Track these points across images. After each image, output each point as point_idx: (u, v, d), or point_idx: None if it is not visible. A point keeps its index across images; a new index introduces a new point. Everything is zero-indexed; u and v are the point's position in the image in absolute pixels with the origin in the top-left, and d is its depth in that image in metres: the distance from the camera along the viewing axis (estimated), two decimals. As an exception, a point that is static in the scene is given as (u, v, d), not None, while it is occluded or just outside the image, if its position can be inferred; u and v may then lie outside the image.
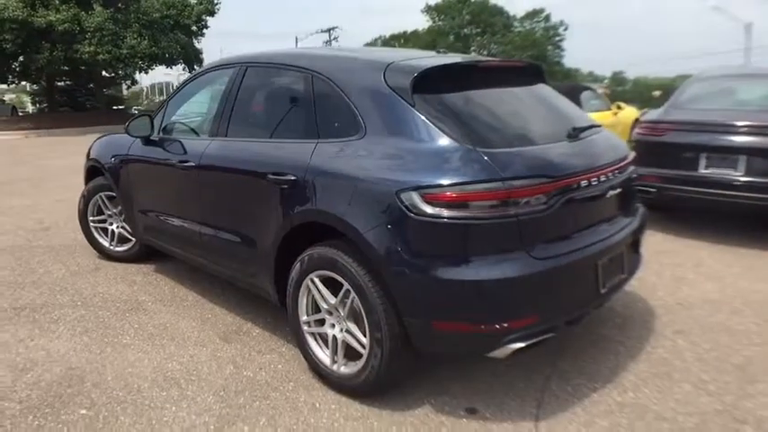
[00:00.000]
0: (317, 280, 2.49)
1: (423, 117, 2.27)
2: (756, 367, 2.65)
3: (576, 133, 2.55)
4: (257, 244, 2.76)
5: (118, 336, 3.12)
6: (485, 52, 42.54)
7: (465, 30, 40.84)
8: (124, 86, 26.00)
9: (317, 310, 2.57)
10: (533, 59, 39.68)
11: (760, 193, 4.05)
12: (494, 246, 2.10)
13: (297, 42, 53.67)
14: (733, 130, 4.20)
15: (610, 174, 2.50)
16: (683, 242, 4.59)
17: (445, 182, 2.08)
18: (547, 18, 41.83)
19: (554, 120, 2.67)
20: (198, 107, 3.75)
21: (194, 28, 19.27)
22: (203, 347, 2.97)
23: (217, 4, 19.36)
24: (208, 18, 19.25)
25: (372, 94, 2.40)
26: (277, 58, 2.98)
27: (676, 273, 3.89)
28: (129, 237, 4.26)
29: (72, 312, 3.43)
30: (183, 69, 21.22)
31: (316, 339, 2.60)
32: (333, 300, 2.45)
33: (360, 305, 2.29)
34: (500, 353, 2.16)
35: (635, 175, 2.80)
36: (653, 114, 4.95)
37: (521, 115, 2.57)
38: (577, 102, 6.95)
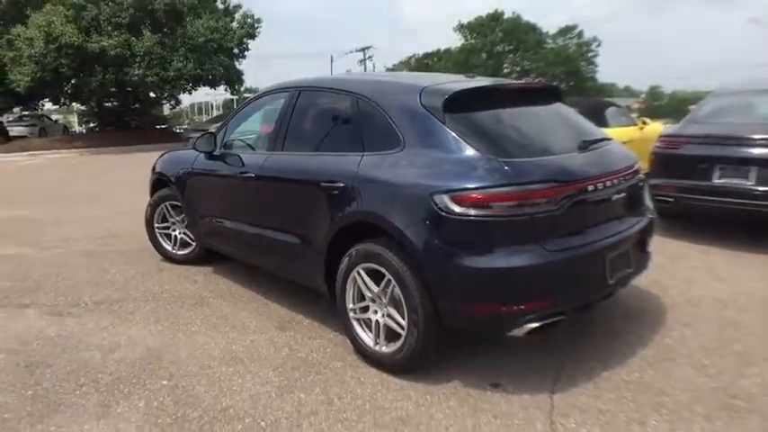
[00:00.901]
0: (362, 272, 2.91)
1: (452, 132, 2.69)
2: (754, 353, 2.93)
3: (585, 145, 2.92)
4: (311, 243, 3.21)
5: (187, 324, 3.60)
6: (518, 69, 42.81)
7: (498, 47, 41.31)
8: (167, 107, 27.40)
9: (362, 298, 2.98)
10: (566, 75, 39.35)
11: (769, 201, 4.31)
12: (512, 239, 2.49)
13: (332, 62, 55.06)
14: (745, 142, 4.47)
15: (615, 180, 2.85)
16: (698, 248, 4.84)
17: (471, 185, 2.49)
18: (580, 34, 42.02)
19: (567, 134, 3.04)
20: (255, 126, 4.25)
21: (236, 51, 20.37)
22: (261, 334, 3.41)
23: (257, 27, 20.47)
24: (249, 41, 20.38)
25: (409, 114, 2.84)
26: (327, 82, 3.48)
27: (689, 275, 4.16)
28: (190, 241, 4.78)
29: (144, 306, 3.94)
30: (225, 90, 22.35)
31: (360, 324, 3.01)
32: (376, 288, 2.86)
33: (399, 292, 2.70)
34: (518, 331, 2.53)
35: (642, 182, 3.14)
36: (672, 129, 5.23)
37: (537, 130, 2.96)
38: (602, 118, 7.22)
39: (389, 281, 2.76)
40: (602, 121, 6.34)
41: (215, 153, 4.08)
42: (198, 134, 13.48)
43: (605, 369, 2.84)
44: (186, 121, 33.98)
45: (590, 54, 41.52)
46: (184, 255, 4.84)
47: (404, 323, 2.73)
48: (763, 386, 2.62)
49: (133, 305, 3.95)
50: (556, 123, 3.10)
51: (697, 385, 2.65)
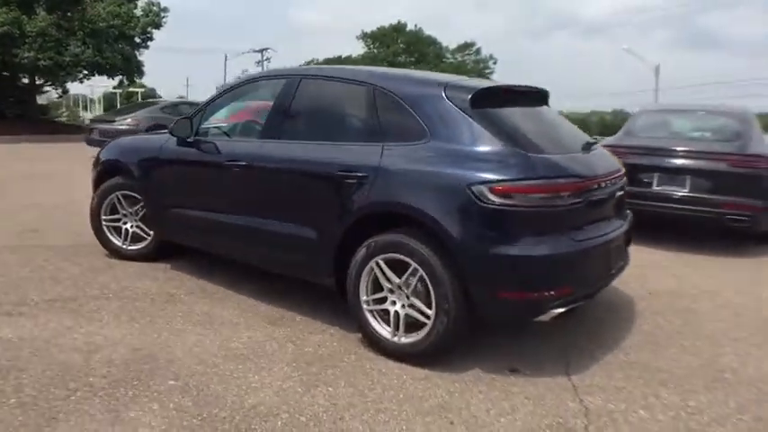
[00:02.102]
0: (381, 262, 2.88)
1: (481, 127, 2.77)
2: (720, 335, 3.34)
3: (587, 146, 3.16)
4: (317, 235, 3.10)
5: (168, 323, 3.30)
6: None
7: (399, 58, 42.44)
8: (46, 96, 24.65)
9: (377, 290, 2.95)
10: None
11: (703, 206, 4.93)
12: (544, 229, 2.63)
13: (226, 60, 53.09)
14: (680, 154, 5.09)
15: (614, 180, 3.12)
16: (642, 249, 5.36)
17: (508, 177, 2.59)
18: (477, 51, 44.54)
19: (568, 135, 3.27)
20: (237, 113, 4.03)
21: (138, 39, 18.83)
22: (255, 331, 3.23)
23: (164, 17, 19.14)
24: (154, 30, 18.94)
25: (435, 107, 2.87)
26: (335, 72, 3.40)
27: (641, 272, 4.58)
28: (144, 235, 4.39)
29: (108, 304, 3.55)
30: (122, 81, 20.57)
31: (374, 316, 2.97)
32: (397, 279, 2.85)
33: (428, 281, 2.72)
34: (546, 317, 2.67)
35: (627, 185, 3.45)
36: (610, 140, 5.77)
37: (547, 129, 3.14)
38: None
39: (415, 270, 2.76)
40: None
41: (190, 140, 3.80)
42: (103, 125, 12.40)
43: (604, 353, 3.07)
44: (66, 113, 30.83)
45: (487, 71, 44.16)
46: (136, 250, 4.43)
47: (430, 312, 2.75)
48: (740, 362, 2.99)
49: (94, 304, 3.54)
50: (556, 124, 3.31)
51: (686, 363, 2.97)
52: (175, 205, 3.94)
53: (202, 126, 3.89)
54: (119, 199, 4.39)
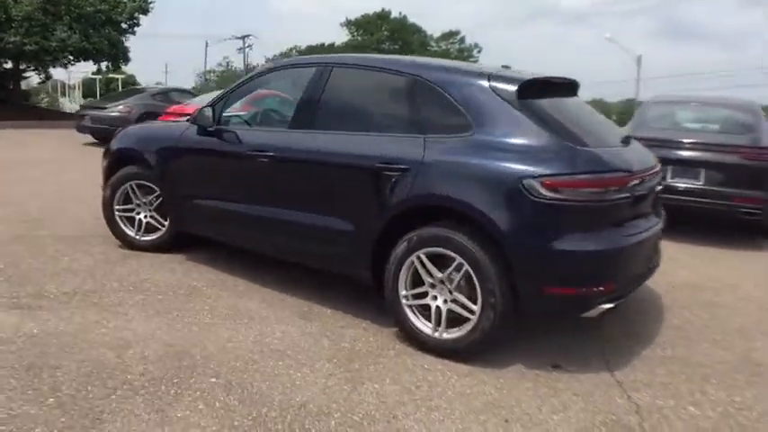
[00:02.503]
0: (423, 257, 2.83)
1: (528, 119, 2.72)
2: (750, 330, 3.38)
3: (626, 140, 3.13)
4: (356, 227, 3.03)
5: (195, 317, 3.21)
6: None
7: (384, 45, 42.06)
8: (27, 82, 23.85)
9: (417, 284, 2.90)
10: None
11: (716, 199, 4.98)
12: (595, 223, 2.60)
13: (207, 47, 52.03)
14: (694, 147, 5.12)
15: (654, 175, 3.10)
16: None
17: (560, 171, 2.55)
18: (462, 39, 44.40)
19: (607, 127, 3.23)
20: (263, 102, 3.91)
21: (125, 25, 18.19)
22: (288, 325, 3.15)
23: (151, 2, 18.52)
24: (141, 16, 18.31)
25: (479, 98, 2.81)
26: (369, 61, 3.30)
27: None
28: (159, 226, 4.26)
29: (129, 297, 3.44)
30: (99, 68, 19.96)
31: (413, 311, 2.92)
32: (439, 274, 2.80)
33: (473, 276, 2.67)
34: (593, 312, 2.65)
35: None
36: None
37: (587, 121, 3.09)
38: None
39: (460, 265, 2.71)
40: None
41: (212, 129, 3.68)
42: (95, 112, 12.10)
43: (641, 348, 3.07)
44: (46, 99, 29.94)
45: (471, 59, 44.05)
46: (150, 241, 4.30)
47: (475, 308, 2.70)
48: (775, 356, 3.03)
49: (115, 296, 3.42)
50: (593, 116, 3.27)
51: (722, 357, 2.99)
52: (197, 196, 3.82)
53: (232, 113, 3.78)
54: (132, 189, 4.24)
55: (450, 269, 2.76)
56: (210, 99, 4.04)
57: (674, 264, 4.70)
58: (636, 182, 2.79)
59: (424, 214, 2.83)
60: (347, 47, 42.92)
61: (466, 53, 44.14)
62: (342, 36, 49.31)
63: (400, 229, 2.90)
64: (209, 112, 3.64)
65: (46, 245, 4.36)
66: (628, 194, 2.69)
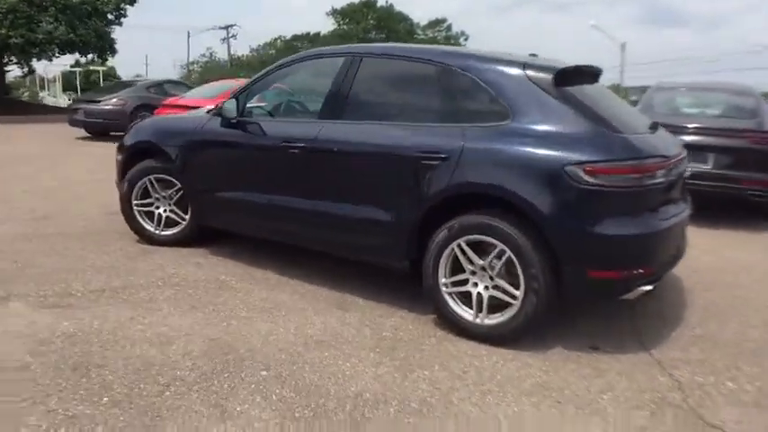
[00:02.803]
0: (464, 244, 2.85)
1: (566, 107, 2.75)
2: (774, 308, 3.48)
3: (654, 127, 3.17)
4: (395, 217, 3.03)
5: (231, 311, 3.19)
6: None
7: (370, 34, 41.77)
8: (18, 73, 23.22)
9: (457, 272, 2.92)
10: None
11: (725, 182, 5.09)
12: (634, 208, 2.65)
13: (189, 37, 51.22)
14: (703, 131, 5.21)
15: (683, 161, 3.15)
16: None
17: (602, 158, 2.58)
18: (449, 27, 44.24)
19: (634, 114, 3.27)
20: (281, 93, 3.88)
21: (111, 16, 17.77)
22: (326, 316, 3.15)
23: (138, -7, 18.14)
24: (127, 7, 17.89)
25: (517, 87, 2.83)
26: (403, 51, 3.29)
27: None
28: (179, 220, 4.22)
29: (160, 292, 3.41)
30: (93, 60, 19.50)
31: (453, 298, 2.95)
32: (480, 261, 2.83)
33: (516, 262, 2.70)
34: (632, 294, 2.71)
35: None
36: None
37: (617, 108, 3.13)
38: None
39: (503, 251, 2.74)
40: None
41: (234, 120, 3.64)
42: (88, 105, 11.87)
43: (672, 328, 3.14)
44: (26, 92, 29.25)
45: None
46: (170, 235, 4.26)
47: (517, 293, 2.74)
48: (803, 333, 3.13)
49: (145, 293, 3.40)
50: (620, 103, 3.31)
51: (754, 336, 3.07)
52: (221, 189, 3.79)
53: (257, 103, 3.76)
54: (151, 183, 4.20)
55: (492, 256, 2.79)
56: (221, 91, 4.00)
57: (690, 248, 4.79)
58: (671, 167, 2.84)
59: (464, 202, 2.85)
60: (333, 36, 42.54)
61: (453, 41, 43.99)
62: (328, 25, 48.96)
63: (439, 218, 2.92)
64: (233, 104, 3.60)
65: (58, 242, 4.30)
66: (662, 180, 2.74)
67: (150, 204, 4.26)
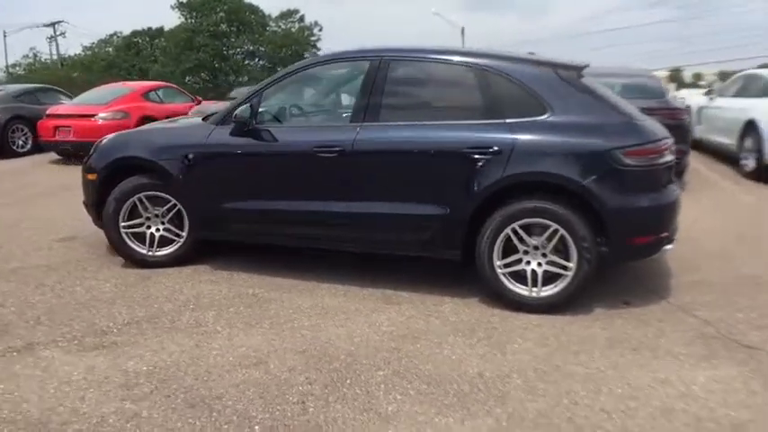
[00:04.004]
0: (518, 228, 3.15)
1: (592, 100, 3.18)
2: (730, 252, 4.30)
3: (645, 113, 3.74)
4: (449, 210, 3.23)
5: (291, 321, 3.14)
6: (243, 51, 42.36)
7: (221, 27, 39.87)
8: None
9: (508, 253, 3.22)
10: (294, 58, 40.65)
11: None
12: (661, 182, 3.16)
13: (5, 37, 44.45)
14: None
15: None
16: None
17: (635, 142, 3.05)
18: (302, 18, 43.78)
19: (628, 102, 3.80)
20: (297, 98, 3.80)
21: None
22: (386, 313, 3.23)
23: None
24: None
25: (552, 84, 3.18)
26: (431, 53, 3.45)
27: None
28: (173, 237, 3.93)
29: (201, 315, 3.21)
30: None
31: (507, 278, 3.24)
32: (534, 241, 3.15)
33: (569, 237, 3.07)
34: (658, 255, 3.24)
35: None
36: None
37: (618, 98, 3.62)
38: None
39: (556, 230, 3.09)
40: None
41: (252, 128, 3.52)
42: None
43: (667, 280, 3.73)
44: None
45: (313, 39, 43.85)
46: (166, 255, 3.95)
47: (570, 265, 3.12)
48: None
49: (186, 317, 3.18)
50: (613, 93, 3.83)
51: (729, 277, 3.74)
52: (238, 199, 3.63)
53: (272, 109, 3.68)
54: (141, 201, 3.85)
55: (546, 235, 3.13)
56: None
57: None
58: (671, 148, 3.41)
59: (513, 190, 3.15)
60: (181, 30, 39.84)
61: (307, 32, 43.78)
62: (173, 19, 45.65)
63: (488, 208, 3.19)
64: (247, 110, 3.47)
65: (36, 277, 3.77)
66: (670, 158, 3.30)
67: (140, 225, 3.91)
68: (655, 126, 3.34)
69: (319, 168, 3.41)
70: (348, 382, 2.52)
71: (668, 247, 3.24)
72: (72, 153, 8.52)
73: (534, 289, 3.20)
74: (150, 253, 3.93)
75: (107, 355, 2.74)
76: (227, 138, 3.58)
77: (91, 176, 3.95)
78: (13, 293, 3.51)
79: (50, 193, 6.91)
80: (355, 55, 3.60)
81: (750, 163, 6.66)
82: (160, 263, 3.94)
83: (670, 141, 3.28)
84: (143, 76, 34.82)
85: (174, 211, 3.88)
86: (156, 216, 3.90)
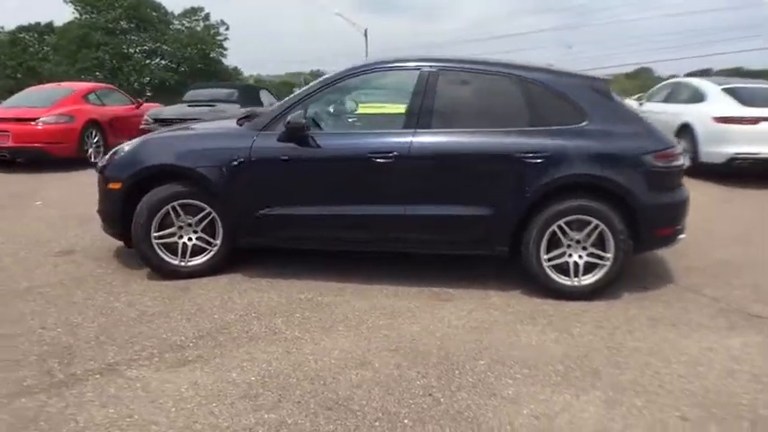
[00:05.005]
0: (563, 224, 3.49)
1: (621, 109, 3.61)
2: (717, 239, 4.96)
3: None
4: (499, 211, 3.49)
5: (361, 323, 3.21)
6: (145, 49, 40.04)
7: (120, 24, 37.31)
8: None
9: (553, 248, 3.55)
10: (199, 58, 38.92)
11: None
12: (678, 182, 3.66)
13: None
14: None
15: None
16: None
17: (662, 147, 3.52)
18: (207, 17, 42.07)
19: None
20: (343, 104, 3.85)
21: None
22: (445, 309, 3.41)
23: None
24: None
25: (587, 96, 3.56)
26: (477, 64, 3.70)
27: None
28: (206, 246, 3.82)
29: (271, 322, 3.20)
30: None
31: (551, 270, 3.57)
32: (577, 235, 3.51)
33: (607, 231, 3.46)
34: (674, 243, 3.73)
35: None
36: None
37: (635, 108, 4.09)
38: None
39: (597, 225, 3.47)
40: None
41: (305, 134, 3.56)
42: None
43: (670, 264, 4.27)
44: None
45: (219, 38, 42.32)
46: (199, 264, 3.83)
47: (608, 255, 3.50)
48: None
49: (258, 326, 3.15)
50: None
51: (724, 258, 4.39)
52: (286, 205, 3.65)
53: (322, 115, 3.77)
54: (175, 210, 3.71)
55: (587, 230, 3.49)
56: (282, 102, 3.83)
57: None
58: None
59: (563, 190, 3.48)
60: (77, 27, 36.70)
61: (213, 31, 42.20)
62: (65, 14, 41.89)
63: (537, 207, 3.50)
64: (301, 117, 3.50)
65: (56, 296, 3.52)
66: (682, 162, 3.79)
67: (172, 235, 3.76)
68: (666, 134, 3.84)
69: (374, 173, 3.53)
70: (457, 372, 2.69)
71: (681, 236, 3.75)
72: (10, 160, 7.72)
73: (576, 279, 3.56)
74: (183, 263, 3.80)
75: (203, 369, 2.68)
76: (275, 143, 3.59)
77: (114, 185, 3.74)
78: (48, 314, 3.25)
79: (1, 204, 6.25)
80: (404, 64, 3.78)
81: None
82: (193, 273, 3.82)
83: (680, 148, 3.80)
84: (32, 75, 31.69)
85: (207, 219, 3.79)
86: (189, 225, 3.78)
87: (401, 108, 3.73)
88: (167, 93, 23.21)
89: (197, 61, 41.12)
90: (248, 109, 5.90)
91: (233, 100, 8.74)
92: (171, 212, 3.71)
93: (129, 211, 3.74)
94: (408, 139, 3.53)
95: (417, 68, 3.66)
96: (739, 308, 3.51)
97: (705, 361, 2.84)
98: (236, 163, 3.61)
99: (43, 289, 3.64)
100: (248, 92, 9.78)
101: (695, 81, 8.48)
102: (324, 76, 3.81)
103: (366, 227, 3.68)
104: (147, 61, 39.81)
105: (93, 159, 8.44)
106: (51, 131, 7.51)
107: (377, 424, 2.27)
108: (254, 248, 3.97)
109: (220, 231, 3.81)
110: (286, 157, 3.59)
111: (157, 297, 3.54)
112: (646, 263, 4.28)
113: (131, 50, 39.45)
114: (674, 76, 18.74)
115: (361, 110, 4.45)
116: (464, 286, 3.76)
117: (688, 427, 2.30)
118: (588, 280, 3.56)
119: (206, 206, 3.74)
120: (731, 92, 7.51)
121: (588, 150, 3.46)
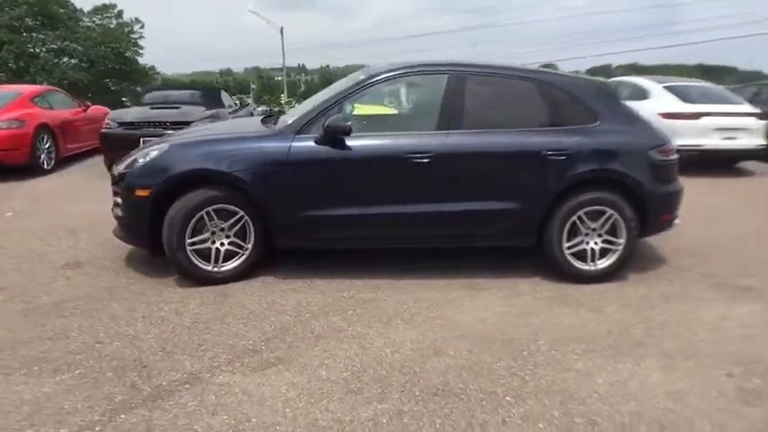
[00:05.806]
0: (582, 214, 3.83)
1: (627, 109, 4.00)
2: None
3: None
4: (527, 205, 3.77)
5: (416, 315, 3.37)
6: (54, 47, 37.19)
7: (25, 21, 34.29)
8: None
9: (569, 237, 3.88)
10: (114, 56, 36.77)
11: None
12: (675, 174, 4.10)
13: None
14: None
15: None
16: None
17: (664, 143, 3.94)
18: (119, 14, 39.58)
19: None
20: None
21: None
22: (481, 298, 3.64)
23: None
24: None
25: (599, 97, 3.93)
26: (503, 69, 4.00)
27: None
28: (237, 250, 3.80)
29: (329, 320, 3.28)
30: None
31: (572, 257, 3.90)
32: (593, 224, 3.86)
33: (620, 220, 3.84)
34: (670, 228, 4.19)
35: None
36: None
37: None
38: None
39: (611, 215, 3.83)
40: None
41: (346, 136, 3.65)
42: None
43: (658, 246, 4.77)
44: None
45: (134, 36, 39.98)
46: (231, 269, 3.80)
47: (621, 240, 3.88)
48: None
49: (319, 325, 3.22)
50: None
51: (707, 240, 4.91)
52: (325, 207, 3.72)
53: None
54: (209, 215, 3.66)
55: (603, 219, 3.85)
56: (313, 105, 3.89)
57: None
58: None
59: (579, 185, 3.82)
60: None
61: (127, 29, 39.84)
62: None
63: (559, 200, 3.81)
64: (340, 120, 3.59)
65: (92, 310, 3.38)
66: (677, 156, 4.24)
67: (205, 240, 3.72)
68: (663, 130, 4.30)
69: (411, 172, 3.69)
70: (524, 353, 2.93)
71: (677, 221, 4.21)
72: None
73: (593, 263, 3.91)
74: (216, 269, 3.77)
75: (290, 370, 2.73)
76: (312, 146, 3.65)
77: (142, 193, 3.63)
78: (96, 328, 3.13)
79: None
80: (434, 68, 3.98)
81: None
82: (226, 278, 3.79)
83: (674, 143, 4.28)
84: None
85: (240, 223, 3.77)
86: (221, 230, 3.75)
87: (393, 110, 3.94)
88: (81, 94, 21.62)
89: (111, 60, 38.76)
90: (262, 108, 5.83)
91: (197, 102, 8.50)
92: (205, 218, 3.67)
93: (153, 220, 3.67)
94: (443, 139, 3.72)
95: (448, 72, 3.87)
96: (730, 282, 4.01)
97: (724, 328, 3.26)
98: (273, 166, 3.64)
99: (71, 303, 3.47)
100: (210, 93, 9.66)
101: (638, 80, 9.26)
102: (356, 79, 3.91)
103: (403, 225, 3.83)
104: (56, 60, 36.98)
105: (45, 166, 7.92)
106: (3, 138, 6.94)
107: (483, 403, 2.45)
108: (288, 250, 4.00)
109: (252, 235, 3.81)
110: (326, 159, 3.66)
111: (202, 304, 3.49)
112: (638, 247, 4.74)
113: (38, 50, 36.50)
114: (577, 72, 20.12)
115: (357, 111, 4.56)
116: (492, 276, 4.01)
117: (736, 381, 2.68)
118: (603, 264, 3.93)
119: (239, 210, 3.73)
120: (672, 89, 8.34)
121: (604, 147, 3.82)
